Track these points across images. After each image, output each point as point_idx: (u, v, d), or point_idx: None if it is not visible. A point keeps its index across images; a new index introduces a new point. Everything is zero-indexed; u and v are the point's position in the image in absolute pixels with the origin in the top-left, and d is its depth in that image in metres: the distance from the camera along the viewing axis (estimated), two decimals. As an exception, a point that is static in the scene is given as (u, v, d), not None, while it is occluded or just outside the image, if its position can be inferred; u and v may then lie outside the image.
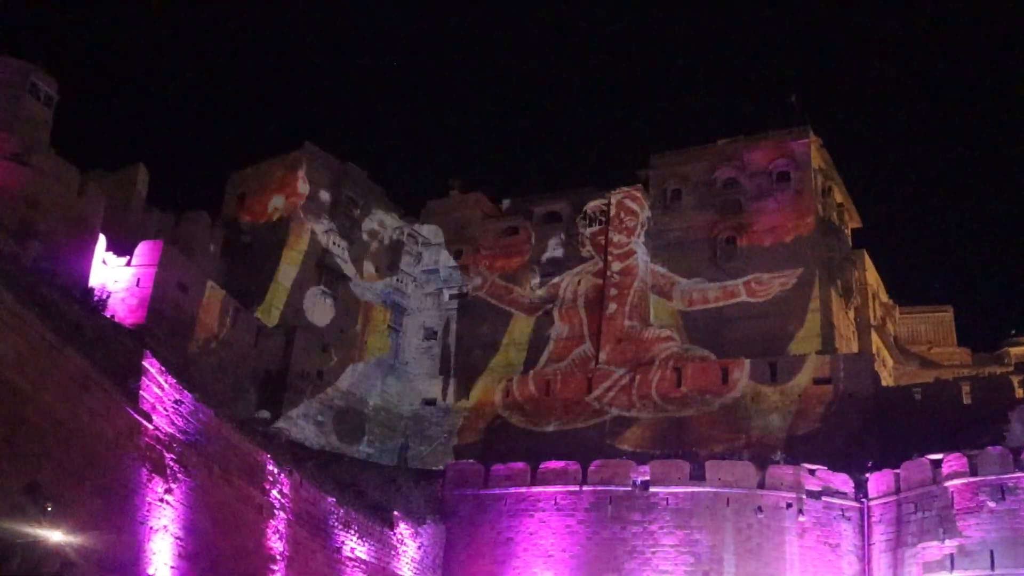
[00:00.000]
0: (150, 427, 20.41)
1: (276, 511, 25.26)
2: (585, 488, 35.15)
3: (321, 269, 45.60)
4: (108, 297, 31.08)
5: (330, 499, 28.67)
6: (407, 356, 48.83)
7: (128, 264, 32.86)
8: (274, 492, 25.41)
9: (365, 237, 48.25)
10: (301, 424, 40.36)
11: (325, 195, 46.86)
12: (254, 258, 44.39)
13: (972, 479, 29.93)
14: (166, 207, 40.49)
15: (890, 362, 50.52)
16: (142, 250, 33.30)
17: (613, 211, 48.88)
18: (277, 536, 25.07)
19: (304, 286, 44.58)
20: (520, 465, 36.70)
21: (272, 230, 45.10)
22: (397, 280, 49.58)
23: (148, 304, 32.23)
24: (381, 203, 49.74)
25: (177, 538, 20.59)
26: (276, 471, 25.66)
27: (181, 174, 79.11)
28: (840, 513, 33.39)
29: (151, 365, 21.08)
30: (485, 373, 47.17)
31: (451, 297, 50.39)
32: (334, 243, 46.54)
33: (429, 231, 51.09)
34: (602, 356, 45.55)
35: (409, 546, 33.26)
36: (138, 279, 32.72)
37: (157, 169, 40.87)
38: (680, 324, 45.41)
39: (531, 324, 48.40)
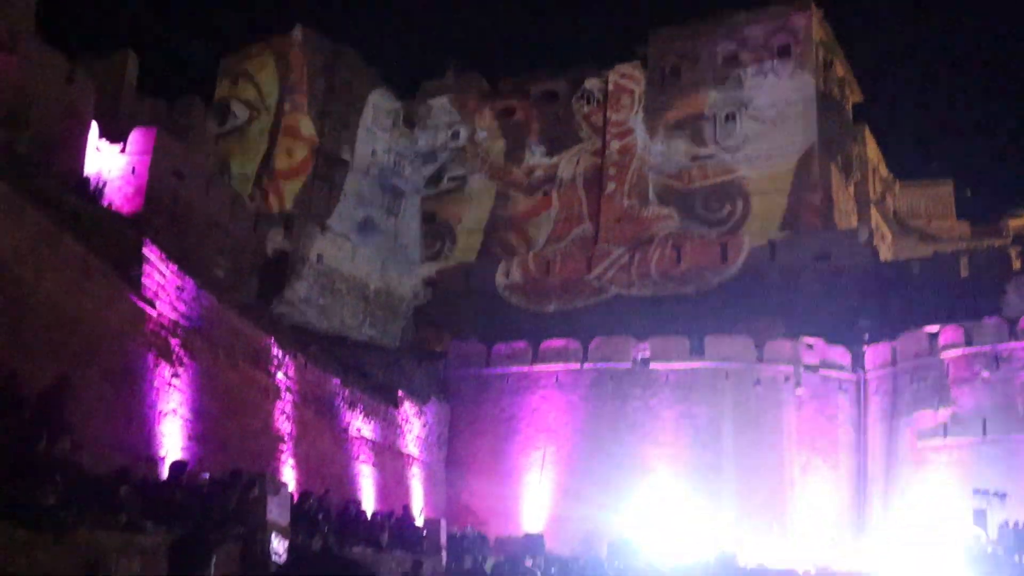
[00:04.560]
0: (154, 314, 20.61)
1: (282, 393, 25.73)
2: (586, 365, 35.74)
3: (317, 154, 45.24)
4: (104, 186, 30.92)
5: (335, 380, 29.16)
6: (406, 239, 48.89)
7: (122, 152, 32.55)
8: (280, 375, 25.83)
9: (363, 121, 47.72)
10: (304, 308, 40.69)
11: (319, 79, 46.15)
12: (249, 143, 44.04)
13: (967, 349, 30.38)
14: (158, 93, 39.92)
15: (889, 237, 50.62)
16: (135, 137, 32.92)
17: (611, 89, 48.19)
18: (284, 417, 25.59)
19: (301, 171, 44.32)
20: (521, 344, 37.24)
21: (266, 115, 44.59)
22: (394, 163, 49.25)
23: (145, 192, 32.04)
24: (376, 85, 49.04)
25: (186, 420, 21.02)
26: (281, 354, 26.02)
27: (171, 59, 77.57)
28: (837, 385, 34.03)
29: (151, 253, 21.15)
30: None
31: (449, 180, 50.12)
32: (330, 128, 46.07)
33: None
34: (601, 235, 45.59)
35: (414, 424, 33.99)
36: (133, 167, 32.43)
37: (147, 55, 40.12)
38: (679, 202, 45.30)
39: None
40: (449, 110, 50.79)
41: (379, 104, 48.88)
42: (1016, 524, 25.05)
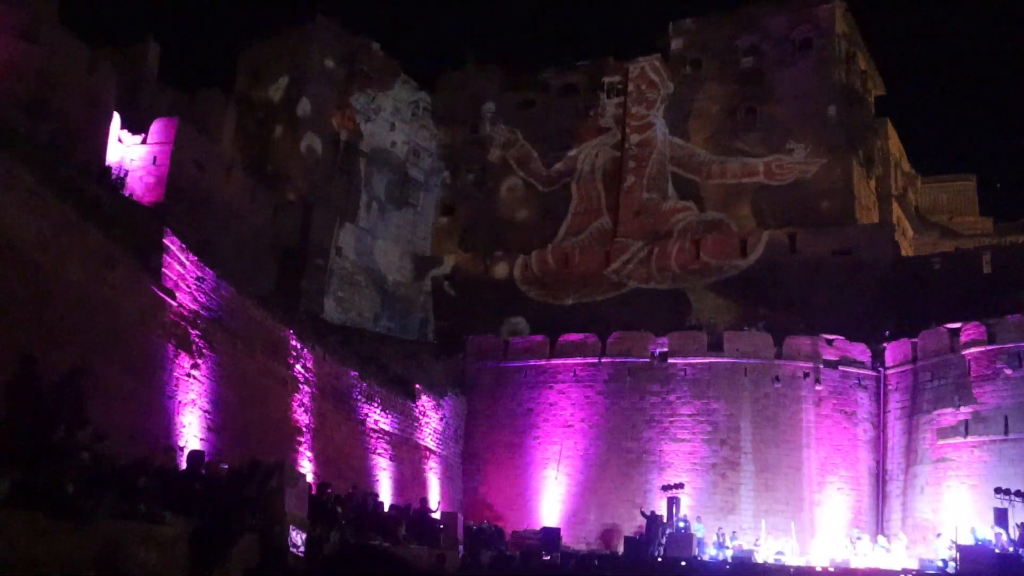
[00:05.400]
0: (174, 304, 20.65)
1: (300, 385, 25.76)
2: (604, 360, 35.65)
3: (337, 145, 45.23)
4: (126, 175, 31.03)
5: (352, 373, 29.18)
6: (426, 232, 48.85)
7: (143, 142, 32.68)
8: (298, 367, 25.86)
9: (383, 113, 47.63)
10: (322, 300, 40.76)
11: (340, 70, 46.09)
12: (270, 135, 44.07)
13: (989, 347, 30.06)
14: (179, 84, 39.99)
15: (910, 232, 50.23)
16: (157, 128, 33.04)
17: (632, 82, 47.98)
18: (302, 409, 25.62)
19: (321, 162, 44.31)
20: (539, 338, 37.22)
21: (287, 107, 44.58)
22: (414, 155, 49.18)
23: (166, 182, 32.15)
24: (396, 77, 48.92)
25: (205, 412, 21.06)
26: (299, 346, 26.06)
27: (192, 50, 77.78)
28: (857, 382, 33.81)
29: (172, 243, 21.19)
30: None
31: (468, 171, 49.99)
32: (349, 119, 46.01)
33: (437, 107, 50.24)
34: (620, 229, 45.39)
35: (431, 417, 33.99)
36: (154, 157, 32.56)
37: (168, 45, 40.21)
38: (699, 196, 45.05)
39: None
40: (467, 102, 50.59)
41: (399, 96, 48.79)
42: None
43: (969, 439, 29.56)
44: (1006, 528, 25.64)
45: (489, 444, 36.17)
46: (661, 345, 35.25)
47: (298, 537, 15.48)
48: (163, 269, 20.57)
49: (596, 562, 27.47)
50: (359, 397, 29.33)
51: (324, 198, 43.32)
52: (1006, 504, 25.92)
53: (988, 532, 25.78)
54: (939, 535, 27.67)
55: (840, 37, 45.85)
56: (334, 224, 42.79)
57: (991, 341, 30.11)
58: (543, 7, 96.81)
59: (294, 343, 25.89)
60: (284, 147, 43.55)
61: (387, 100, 48.12)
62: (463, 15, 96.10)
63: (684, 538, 28.24)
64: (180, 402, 20.23)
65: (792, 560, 28.69)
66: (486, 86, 51.09)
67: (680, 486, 31.73)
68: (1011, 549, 24.79)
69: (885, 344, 34.11)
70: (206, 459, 18.92)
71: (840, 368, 33.83)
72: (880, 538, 29.47)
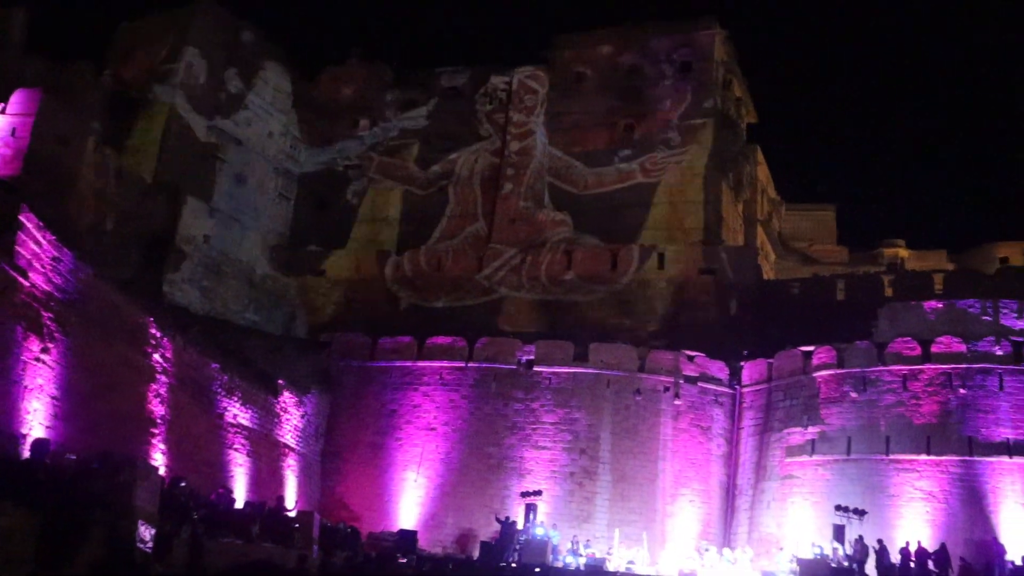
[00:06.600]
0: (26, 284, 19.77)
1: (158, 375, 25.00)
2: (471, 364, 35.82)
3: (211, 131, 44.01)
4: (-19, 145, 29.54)
5: (214, 365, 28.48)
6: (299, 225, 48.00)
7: (3, 112, 31.12)
8: (156, 356, 25.09)
9: (261, 102, 46.60)
10: (186, 289, 39.61)
11: (218, 54, 44.89)
12: (140, 115, 42.54)
13: (838, 371, 31.59)
14: (46, 55, 38.22)
15: (772, 256, 52.12)
16: (18, 98, 31.47)
17: (515, 90, 48.30)
18: (159, 400, 24.87)
19: (192, 148, 43.02)
20: (407, 339, 37.10)
21: (161, 88, 43.09)
22: (290, 147, 48.32)
23: (25, 156, 30.66)
24: (277, 66, 47.92)
25: (53, 398, 20.22)
26: (159, 335, 25.29)
27: (64, 20, 74.36)
28: (714, 398, 34.91)
29: (28, 220, 20.30)
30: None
31: (346, 168, 49.41)
32: (227, 105, 44.85)
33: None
34: (494, 235, 45.61)
35: (293, 414, 33.46)
36: (14, 128, 30.99)
37: (37, 12, 38.50)
38: (574, 208, 45.59)
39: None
40: (350, 98, 50.11)
41: (279, 85, 47.86)
42: (863, 539, 26.30)
43: (815, 458, 30.90)
44: (843, 543, 26.98)
45: (350, 444, 35.82)
46: (528, 353, 35.63)
47: (147, 532, 15.01)
48: (16, 247, 19.68)
49: (451, 566, 27.58)
50: (219, 390, 28.64)
51: (194, 185, 42.05)
52: (844, 521, 27.29)
53: (827, 547, 27.02)
54: (781, 549, 28.84)
55: (718, 64, 47.23)
56: (203, 211, 41.65)
57: (840, 365, 31.62)
58: (430, 9, 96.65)
59: (154, 331, 25.11)
60: (155, 129, 42.09)
61: (266, 89, 47.15)
62: (348, 11, 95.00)
63: (539, 545, 28.56)
64: (27, 387, 19.37)
65: (642, 569, 29.44)
66: (369, 82, 50.62)
67: (539, 493, 32.10)
68: (846, 564, 26.10)
69: (743, 363, 35.34)
70: (51, 448, 18.17)
71: (699, 384, 34.87)
72: (726, 551, 30.45)
